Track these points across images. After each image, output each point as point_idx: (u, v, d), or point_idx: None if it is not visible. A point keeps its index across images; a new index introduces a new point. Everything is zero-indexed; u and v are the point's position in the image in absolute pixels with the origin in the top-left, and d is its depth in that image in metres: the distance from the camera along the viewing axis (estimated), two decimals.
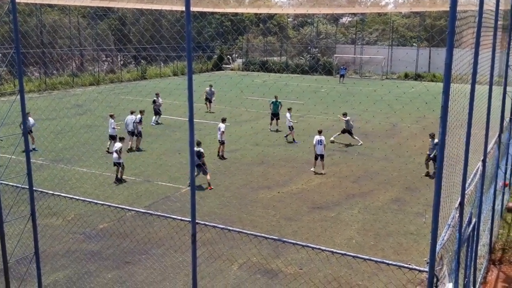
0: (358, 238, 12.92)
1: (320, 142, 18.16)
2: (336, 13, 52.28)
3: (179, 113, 28.44)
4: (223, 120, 20.35)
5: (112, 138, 20.46)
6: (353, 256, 6.46)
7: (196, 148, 15.61)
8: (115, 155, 16.80)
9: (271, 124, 26.14)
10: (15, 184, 8.95)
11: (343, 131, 22.73)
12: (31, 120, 20.22)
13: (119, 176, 16.91)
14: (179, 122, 27.27)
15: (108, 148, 20.72)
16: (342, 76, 48.59)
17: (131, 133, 21.45)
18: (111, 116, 20.90)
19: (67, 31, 44.13)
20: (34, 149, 20.53)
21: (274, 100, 26.03)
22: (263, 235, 7.09)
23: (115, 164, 17.01)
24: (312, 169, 18.46)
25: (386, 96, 28.29)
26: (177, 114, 28.45)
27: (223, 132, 19.92)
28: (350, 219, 14.16)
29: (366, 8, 58.51)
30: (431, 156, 17.90)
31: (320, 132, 18.60)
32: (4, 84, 37.43)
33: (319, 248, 6.64)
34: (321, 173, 18.16)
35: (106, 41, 48.63)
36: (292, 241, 6.96)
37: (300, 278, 10.49)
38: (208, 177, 16.56)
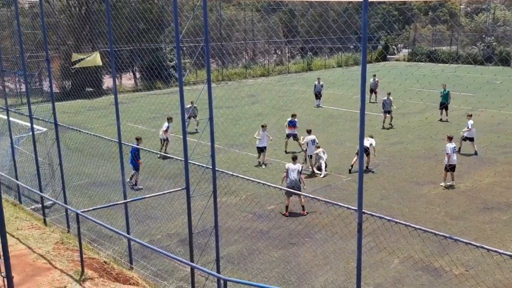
0: None
1: (453, 150, 15.89)
2: None
3: (341, 104, 28.71)
4: (371, 137, 18.05)
5: (260, 150, 18.29)
6: None
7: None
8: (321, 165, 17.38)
9: (441, 113, 25.73)
10: (201, 164, 10.13)
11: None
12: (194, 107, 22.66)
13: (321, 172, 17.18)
14: (341, 113, 27.54)
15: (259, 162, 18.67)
16: None
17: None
18: (263, 126, 18.40)
19: (242, 25, 47.05)
20: (196, 130, 23.32)
21: (442, 89, 25.59)
22: (432, 231, 6.92)
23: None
24: (442, 184, 16.00)
25: None
26: (339, 104, 28.80)
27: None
28: None
29: None
30: None
31: (450, 139, 16.02)
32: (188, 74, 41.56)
33: (495, 251, 6.23)
34: (451, 185, 15.91)
35: (276, 34, 50.73)
36: (465, 240, 6.63)
37: (468, 281, 10.06)
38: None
